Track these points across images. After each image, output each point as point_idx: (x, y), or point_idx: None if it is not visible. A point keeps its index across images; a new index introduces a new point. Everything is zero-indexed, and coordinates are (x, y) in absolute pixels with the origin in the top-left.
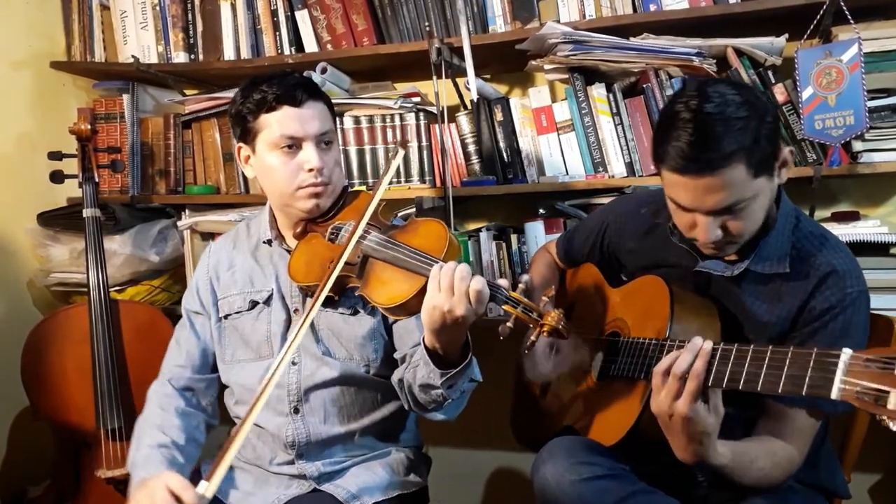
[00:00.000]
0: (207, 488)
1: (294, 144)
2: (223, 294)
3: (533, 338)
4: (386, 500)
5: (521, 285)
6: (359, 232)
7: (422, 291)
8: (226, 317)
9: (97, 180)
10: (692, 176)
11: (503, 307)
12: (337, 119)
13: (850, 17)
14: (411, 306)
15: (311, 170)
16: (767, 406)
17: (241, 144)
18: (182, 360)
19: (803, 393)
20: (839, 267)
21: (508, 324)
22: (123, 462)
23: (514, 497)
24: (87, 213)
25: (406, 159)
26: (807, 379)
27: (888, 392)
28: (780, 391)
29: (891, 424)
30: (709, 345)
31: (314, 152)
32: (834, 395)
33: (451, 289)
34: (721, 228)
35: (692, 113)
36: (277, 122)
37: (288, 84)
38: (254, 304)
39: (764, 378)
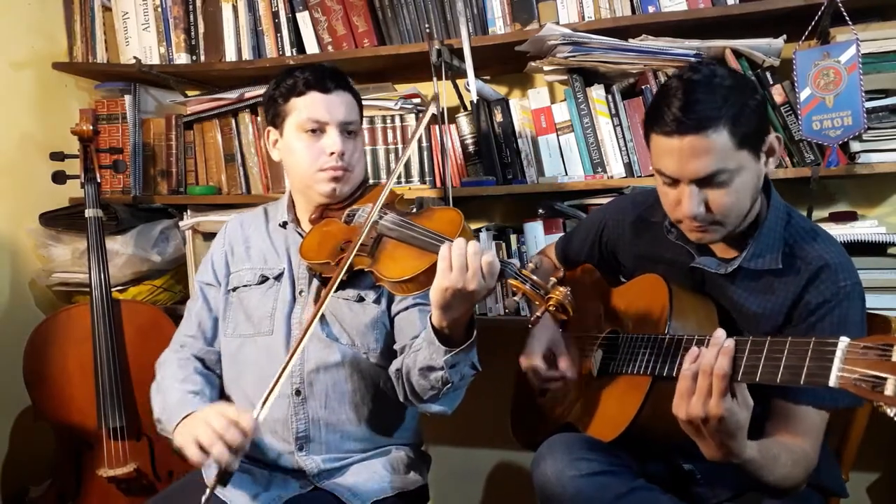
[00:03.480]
0: (259, 413)
1: (319, 129)
2: (236, 268)
3: (539, 313)
4: (386, 499)
5: (530, 264)
6: (379, 204)
7: (432, 268)
8: (234, 289)
9: (99, 181)
10: (678, 136)
11: (511, 282)
12: (363, 116)
13: (848, 18)
14: (420, 281)
15: (332, 153)
16: (774, 406)
17: (271, 128)
18: (193, 331)
19: (801, 382)
20: (831, 260)
21: (515, 297)
22: (125, 461)
23: (513, 495)
24: (88, 213)
25: (406, 160)
26: (805, 368)
27: (886, 378)
28: (778, 381)
29: (888, 410)
30: (731, 342)
31: (337, 137)
32: (832, 382)
33: (463, 266)
34: (704, 205)
35: (682, 81)
36: (305, 106)
37: (319, 72)
38: (264, 278)
39: (762, 369)
